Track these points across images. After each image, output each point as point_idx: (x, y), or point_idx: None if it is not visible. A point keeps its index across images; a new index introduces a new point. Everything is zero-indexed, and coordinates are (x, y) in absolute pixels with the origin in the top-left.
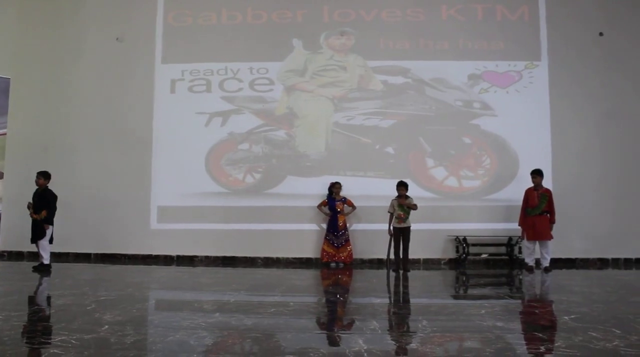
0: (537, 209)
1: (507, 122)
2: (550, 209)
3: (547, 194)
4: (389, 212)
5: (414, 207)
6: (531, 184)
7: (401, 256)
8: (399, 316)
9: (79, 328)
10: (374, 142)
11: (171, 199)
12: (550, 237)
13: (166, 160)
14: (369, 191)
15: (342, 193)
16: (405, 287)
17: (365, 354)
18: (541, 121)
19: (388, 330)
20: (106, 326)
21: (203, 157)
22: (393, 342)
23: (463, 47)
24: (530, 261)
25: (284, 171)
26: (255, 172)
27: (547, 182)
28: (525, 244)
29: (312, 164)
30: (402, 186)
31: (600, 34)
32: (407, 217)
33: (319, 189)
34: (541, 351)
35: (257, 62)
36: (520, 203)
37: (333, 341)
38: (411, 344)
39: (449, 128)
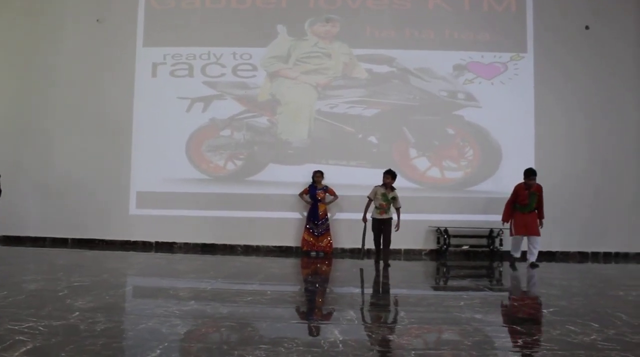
0: (528, 208)
1: (491, 113)
2: (539, 206)
3: (538, 192)
4: (368, 197)
5: (398, 207)
6: (518, 180)
7: (381, 246)
8: (377, 306)
9: (48, 314)
10: (357, 131)
11: (151, 185)
12: (539, 233)
13: (146, 146)
14: (351, 180)
15: (324, 182)
16: (385, 277)
17: (341, 345)
18: (525, 113)
19: (365, 321)
20: (77, 313)
21: (184, 142)
22: (369, 333)
23: (449, 37)
24: (516, 254)
25: (266, 158)
26: (237, 159)
27: None
28: (514, 238)
29: (295, 152)
30: (389, 175)
31: (587, 27)
32: (388, 208)
33: (300, 177)
34: (519, 344)
35: (240, 47)
36: (504, 196)
37: (309, 331)
38: (388, 335)
39: (433, 118)
